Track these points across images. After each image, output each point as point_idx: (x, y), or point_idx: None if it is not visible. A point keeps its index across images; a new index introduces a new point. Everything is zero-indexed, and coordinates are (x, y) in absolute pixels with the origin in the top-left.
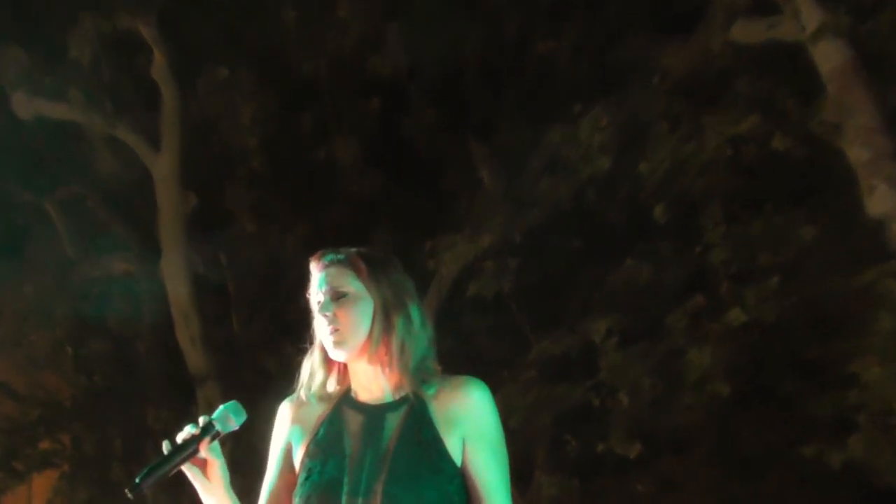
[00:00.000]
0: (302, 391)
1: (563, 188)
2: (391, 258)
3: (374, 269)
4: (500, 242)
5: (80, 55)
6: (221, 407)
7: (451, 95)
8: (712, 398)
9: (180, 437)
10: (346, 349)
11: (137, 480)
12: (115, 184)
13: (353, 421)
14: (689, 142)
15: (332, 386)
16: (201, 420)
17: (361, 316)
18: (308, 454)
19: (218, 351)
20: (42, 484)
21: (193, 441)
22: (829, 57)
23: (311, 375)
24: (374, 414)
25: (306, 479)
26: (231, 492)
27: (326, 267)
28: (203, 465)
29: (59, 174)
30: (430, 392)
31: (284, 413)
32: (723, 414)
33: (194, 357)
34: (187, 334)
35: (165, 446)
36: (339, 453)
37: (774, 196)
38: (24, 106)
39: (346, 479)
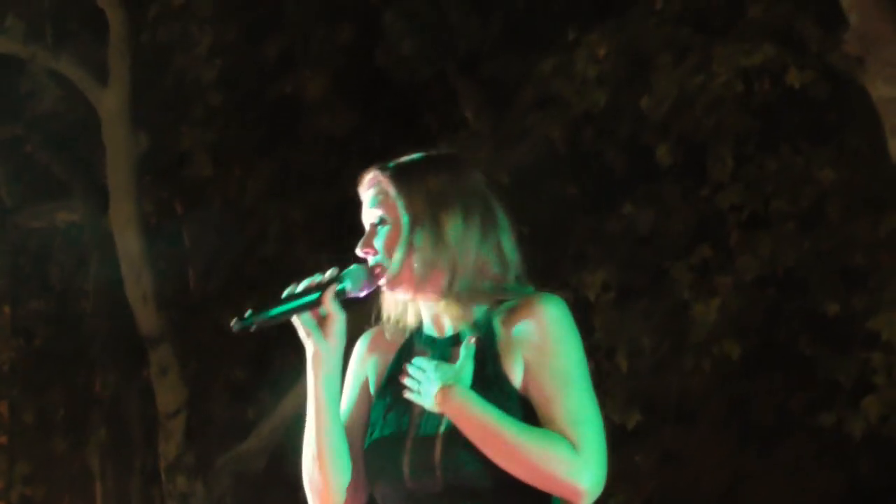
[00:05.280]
0: (384, 325)
1: (555, 126)
2: (433, 160)
3: (404, 182)
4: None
5: None
6: (355, 265)
7: (431, 22)
8: (720, 360)
9: (301, 286)
10: (394, 285)
11: (247, 315)
12: (57, 123)
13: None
14: (695, 75)
15: (407, 316)
16: (328, 273)
17: (397, 243)
18: (376, 396)
19: (172, 309)
20: None
21: (318, 289)
22: None
23: (401, 314)
24: (441, 349)
25: (370, 433)
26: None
27: (364, 191)
28: (321, 322)
29: None
30: (500, 316)
31: (363, 345)
32: (732, 378)
33: (146, 316)
34: (138, 291)
35: (289, 290)
36: (403, 405)
37: (790, 136)
38: None
39: (408, 437)
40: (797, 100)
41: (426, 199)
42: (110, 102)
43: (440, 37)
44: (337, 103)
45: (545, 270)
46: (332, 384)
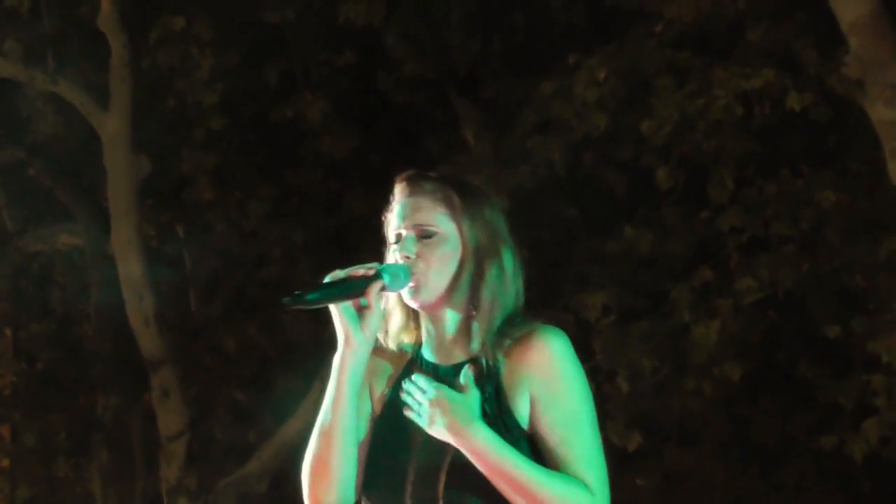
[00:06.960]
0: (379, 335)
1: (555, 149)
2: (484, 191)
3: (469, 204)
4: None
5: (17, 2)
6: (392, 264)
7: (431, 46)
8: (721, 382)
9: (343, 273)
10: (422, 297)
11: (297, 294)
12: (58, 147)
13: None
14: (696, 98)
15: (410, 334)
16: (370, 266)
17: (448, 261)
18: (378, 418)
19: (173, 332)
20: None
21: (365, 280)
22: (852, 6)
23: (387, 317)
24: (443, 379)
25: (368, 465)
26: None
27: (413, 194)
28: (360, 313)
29: None
30: (503, 349)
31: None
32: (732, 400)
33: (148, 339)
34: (140, 314)
35: (332, 276)
36: (404, 431)
37: (790, 159)
38: None
39: (410, 466)
40: (797, 123)
41: (486, 230)
42: (112, 126)
43: (441, 60)
44: (338, 126)
45: (546, 293)
46: (358, 375)
